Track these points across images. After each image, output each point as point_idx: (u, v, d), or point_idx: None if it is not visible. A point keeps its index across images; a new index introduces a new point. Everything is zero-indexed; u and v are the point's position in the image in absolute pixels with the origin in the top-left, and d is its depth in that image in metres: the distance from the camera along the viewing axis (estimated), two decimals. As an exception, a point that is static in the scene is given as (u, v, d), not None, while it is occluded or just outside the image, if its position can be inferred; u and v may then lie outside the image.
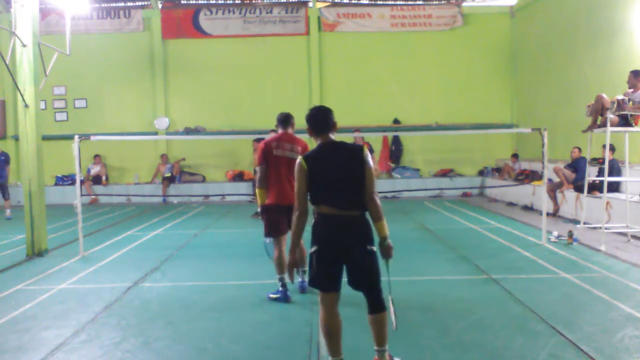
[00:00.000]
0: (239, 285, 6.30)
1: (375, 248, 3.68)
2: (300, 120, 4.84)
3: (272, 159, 5.68)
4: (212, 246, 8.90)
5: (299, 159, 3.73)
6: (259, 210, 6.03)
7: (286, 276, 5.64)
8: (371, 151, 11.20)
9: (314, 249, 3.65)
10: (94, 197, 15.43)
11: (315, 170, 3.64)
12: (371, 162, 3.69)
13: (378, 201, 3.64)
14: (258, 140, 10.38)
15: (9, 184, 13.25)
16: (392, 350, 3.91)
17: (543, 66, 14.84)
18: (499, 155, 16.71)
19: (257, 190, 5.83)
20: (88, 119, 16.53)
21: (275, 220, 5.65)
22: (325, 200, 3.65)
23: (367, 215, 3.70)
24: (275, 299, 5.61)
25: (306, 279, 5.89)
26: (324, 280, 3.65)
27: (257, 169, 5.81)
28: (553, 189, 11.33)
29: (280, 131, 5.87)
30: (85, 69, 16.31)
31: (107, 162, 16.59)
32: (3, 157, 13.02)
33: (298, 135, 5.97)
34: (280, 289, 5.63)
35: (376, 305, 3.70)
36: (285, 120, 5.90)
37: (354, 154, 3.66)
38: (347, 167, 3.64)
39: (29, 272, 7.07)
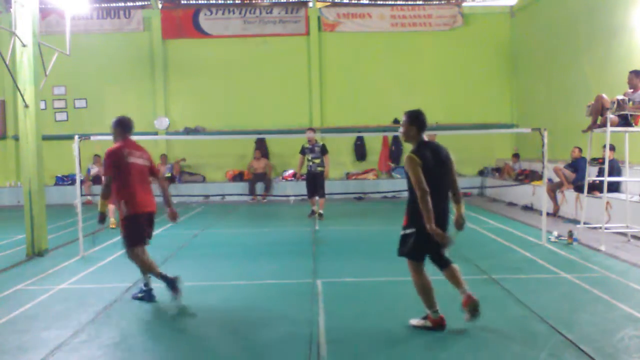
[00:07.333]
0: (239, 285, 6.30)
1: None
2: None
3: (126, 167, 5.53)
4: (212, 246, 8.90)
5: (412, 155, 4.50)
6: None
7: (152, 275, 5.58)
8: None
9: (412, 230, 4.56)
10: (89, 198, 15.06)
11: (427, 163, 4.46)
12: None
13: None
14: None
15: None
16: (391, 351, 3.91)
17: (543, 66, 14.83)
18: (499, 155, 16.70)
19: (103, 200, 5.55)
20: (88, 119, 16.51)
21: (140, 228, 5.57)
22: (430, 190, 4.39)
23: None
24: (141, 299, 5.63)
25: (152, 285, 5.68)
26: (421, 254, 4.63)
27: (104, 178, 5.50)
28: (553, 189, 11.32)
29: (123, 138, 5.74)
30: (85, 69, 16.30)
31: (107, 162, 16.55)
32: None
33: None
34: (144, 288, 5.67)
35: (444, 263, 4.72)
36: (130, 125, 5.82)
37: (448, 154, 4.70)
38: (447, 164, 4.63)
39: (29, 272, 7.07)
